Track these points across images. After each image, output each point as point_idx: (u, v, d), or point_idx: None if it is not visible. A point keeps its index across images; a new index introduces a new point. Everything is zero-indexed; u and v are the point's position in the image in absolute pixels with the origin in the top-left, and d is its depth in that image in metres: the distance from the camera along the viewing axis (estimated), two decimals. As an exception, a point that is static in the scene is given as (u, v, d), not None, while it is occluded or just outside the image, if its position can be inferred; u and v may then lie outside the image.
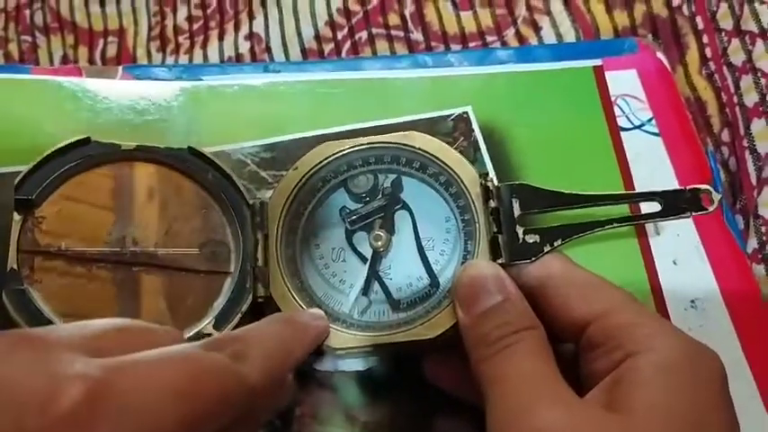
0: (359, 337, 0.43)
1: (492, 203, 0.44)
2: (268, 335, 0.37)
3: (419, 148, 0.47)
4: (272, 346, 0.36)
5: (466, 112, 0.54)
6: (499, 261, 0.43)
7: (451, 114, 0.54)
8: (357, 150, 0.48)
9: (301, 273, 0.47)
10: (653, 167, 0.52)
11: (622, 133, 0.54)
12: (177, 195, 0.46)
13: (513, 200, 0.45)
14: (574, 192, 0.45)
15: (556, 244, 0.43)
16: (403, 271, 0.47)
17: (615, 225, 0.44)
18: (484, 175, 0.45)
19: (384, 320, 0.45)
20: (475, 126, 0.54)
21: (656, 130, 0.54)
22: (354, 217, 0.48)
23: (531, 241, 0.43)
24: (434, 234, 0.47)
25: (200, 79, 0.55)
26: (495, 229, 0.44)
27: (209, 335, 0.43)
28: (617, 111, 0.54)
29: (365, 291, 0.46)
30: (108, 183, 0.45)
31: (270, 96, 0.54)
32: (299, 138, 0.53)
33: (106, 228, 0.44)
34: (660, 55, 0.58)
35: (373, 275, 0.47)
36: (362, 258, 0.48)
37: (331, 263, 0.48)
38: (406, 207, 0.48)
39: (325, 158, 0.48)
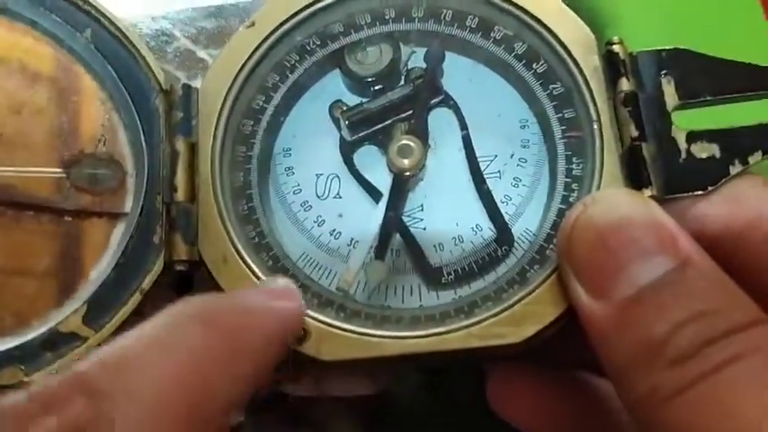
0: (367, 340, 0.30)
1: (625, 85, 0.32)
2: (173, 356, 0.25)
3: None
4: (179, 381, 0.24)
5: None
6: (646, 193, 0.31)
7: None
8: None
9: (260, 216, 0.34)
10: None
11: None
12: (21, 71, 0.35)
13: (664, 79, 0.32)
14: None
15: (752, 160, 0.30)
16: (446, 215, 0.35)
17: None
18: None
19: (412, 307, 0.33)
20: None
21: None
22: (358, 117, 0.36)
23: (703, 156, 0.31)
24: (502, 150, 0.35)
25: None
26: (634, 134, 0.31)
27: (75, 336, 0.31)
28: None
29: (379, 251, 0.33)
30: None
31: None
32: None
33: None
34: None
35: (393, 223, 0.34)
36: (373, 192, 0.35)
37: (315, 201, 0.36)
38: (449, 103, 0.36)
39: (306, 7, 0.35)
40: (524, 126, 0.35)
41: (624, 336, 0.26)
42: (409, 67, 0.36)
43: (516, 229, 0.33)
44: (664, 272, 0.26)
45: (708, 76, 0.31)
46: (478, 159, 0.35)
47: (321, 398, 0.35)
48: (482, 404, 0.34)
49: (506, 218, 0.34)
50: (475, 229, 0.34)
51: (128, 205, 0.33)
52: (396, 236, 0.34)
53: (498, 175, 0.34)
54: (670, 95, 0.31)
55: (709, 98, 0.31)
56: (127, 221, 0.32)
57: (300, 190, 0.35)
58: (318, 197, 0.35)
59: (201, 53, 0.40)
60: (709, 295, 0.26)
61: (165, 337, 0.25)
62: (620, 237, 0.27)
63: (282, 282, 0.31)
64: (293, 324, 0.30)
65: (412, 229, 0.34)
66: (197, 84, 0.36)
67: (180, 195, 0.32)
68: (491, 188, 0.34)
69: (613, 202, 0.28)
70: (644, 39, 0.43)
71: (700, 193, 0.30)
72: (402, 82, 0.36)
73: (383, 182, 0.35)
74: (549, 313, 0.29)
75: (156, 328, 0.25)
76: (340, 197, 0.35)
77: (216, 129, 0.33)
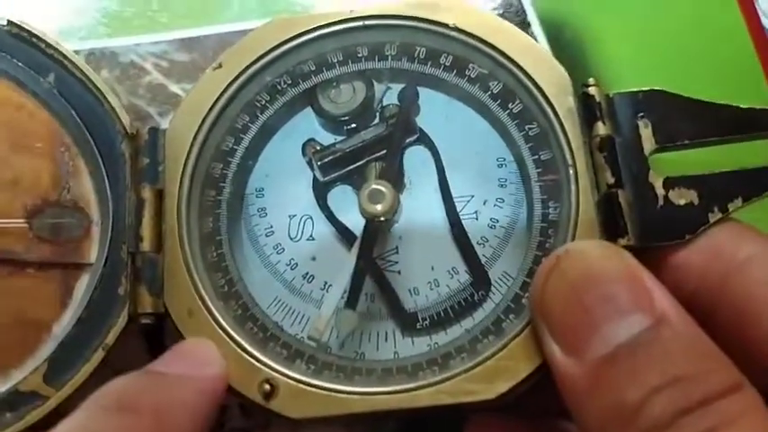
0: (336, 397, 0.29)
1: (601, 129, 0.31)
2: None
3: (454, 28, 0.34)
4: None
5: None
6: (622, 243, 0.30)
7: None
8: (336, 33, 0.35)
9: (230, 263, 0.33)
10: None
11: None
12: None
13: (641, 122, 0.31)
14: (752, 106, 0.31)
15: (731, 207, 0.29)
16: (422, 258, 0.34)
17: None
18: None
19: (385, 358, 0.32)
20: (532, 18, 0.44)
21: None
22: (330, 158, 0.35)
23: (681, 203, 0.30)
24: (479, 190, 0.35)
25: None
26: (610, 181, 0.30)
27: (36, 395, 0.29)
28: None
29: (350, 299, 0.32)
30: None
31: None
32: (237, 31, 0.41)
33: None
34: None
35: (366, 269, 0.33)
36: (347, 234, 0.34)
37: (288, 243, 0.35)
38: (425, 142, 0.35)
39: (276, 47, 0.35)
40: (502, 165, 0.34)
41: (597, 398, 0.25)
42: (384, 104, 0.35)
43: (493, 273, 0.32)
44: (639, 331, 0.25)
45: (686, 119, 0.31)
46: (455, 199, 0.34)
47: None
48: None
49: (483, 260, 0.33)
50: (451, 272, 0.33)
51: (92, 255, 0.32)
52: (369, 280, 0.33)
53: (475, 215, 0.33)
54: (647, 139, 0.30)
55: (687, 142, 0.30)
56: (91, 273, 0.31)
57: (273, 232, 0.34)
58: (291, 239, 0.34)
59: (174, 87, 0.39)
60: (685, 358, 0.24)
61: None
62: (595, 293, 0.26)
63: (203, 346, 0.30)
64: (218, 391, 0.29)
65: (386, 273, 0.33)
66: (169, 119, 0.35)
67: (146, 245, 0.31)
68: (468, 230, 0.33)
69: (587, 255, 0.27)
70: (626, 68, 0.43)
71: (678, 241, 0.29)
72: (376, 120, 0.35)
73: (358, 222, 0.33)
74: (523, 369, 0.28)
75: (73, 428, 0.24)
76: (313, 239, 0.34)
77: (183, 174, 0.32)
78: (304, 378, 0.29)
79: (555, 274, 0.27)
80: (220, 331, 0.30)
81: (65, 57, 0.32)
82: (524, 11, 0.43)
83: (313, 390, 0.28)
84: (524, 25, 0.43)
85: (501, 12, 0.43)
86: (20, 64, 0.32)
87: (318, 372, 0.30)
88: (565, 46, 0.43)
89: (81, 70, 0.32)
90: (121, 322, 0.30)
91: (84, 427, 0.25)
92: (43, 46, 0.32)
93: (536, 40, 0.43)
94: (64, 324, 0.30)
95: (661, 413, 0.23)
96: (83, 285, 0.31)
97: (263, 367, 0.29)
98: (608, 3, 0.44)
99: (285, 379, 0.28)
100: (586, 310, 0.26)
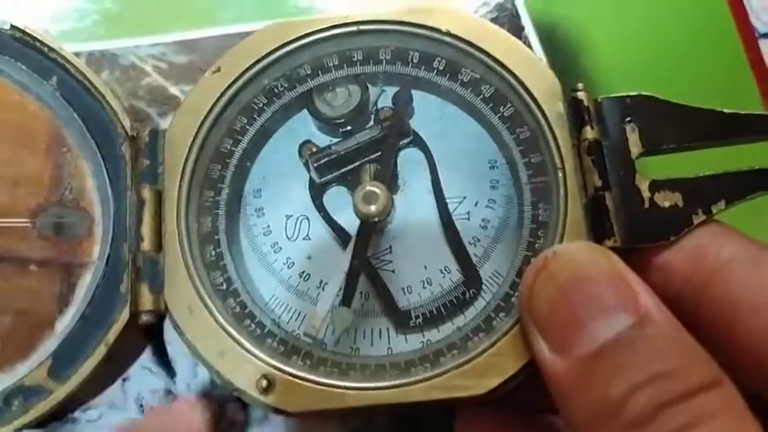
0: (331, 392, 0.29)
1: (589, 133, 0.31)
2: None
3: (447, 33, 0.34)
4: None
5: (511, 1, 0.44)
6: (608, 244, 0.30)
7: (488, 3, 0.44)
8: (332, 37, 0.35)
9: (228, 262, 0.33)
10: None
11: (761, 41, 0.44)
12: None
13: (628, 126, 0.31)
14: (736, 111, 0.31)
15: (715, 209, 0.29)
16: (415, 258, 0.34)
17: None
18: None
19: (379, 354, 0.32)
20: (525, 21, 0.44)
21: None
22: (326, 160, 0.35)
23: (666, 205, 0.30)
24: (471, 191, 0.35)
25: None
26: (598, 183, 0.30)
27: (40, 389, 0.29)
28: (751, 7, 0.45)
29: (345, 297, 0.32)
30: None
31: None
32: (234, 33, 0.41)
33: None
34: None
35: (360, 268, 0.33)
36: (342, 234, 0.34)
37: (285, 242, 0.35)
38: (419, 144, 0.35)
39: (273, 51, 0.34)
40: (493, 167, 0.34)
41: (583, 394, 0.25)
42: (379, 107, 0.35)
43: (484, 272, 0.33)
44: (623, 329, 0.25)
45: (672, 124, 0.31)
46: (447, 201, 0.34)
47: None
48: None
49: (474, 260, 0.33)
50: (443, 271, 0.33)
51: (95, 254, 0.32)
52: (364, 279, 0.33)
53: (467, 216, 0.34)
54: (634, 143, 0.30)
55: (672, 146, 0.30)
56: (93, 271, 0.32)
57: (270, 231, 0.34)
58: (288, 238, 0.34)
59: (173, 89, 0.39)
60: (667, 355, 0.25)
61: None
62: (581, 293, 0.26)
63: (186, 401, 0.32)
64: None
65: (380, 272, 0.33)
66: (168, 120, 0.35)
67: (146, 245, 0.31)
68: (459, 230, 0.33)
69: (574, 256, 0.27)
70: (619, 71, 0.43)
71: (663, 242, 0.29)
72: (371, 122, 0.35)
73: (353, 222, 0.33)
74: (512, 365, 0.28)
75: None
76: (309, 238, 0.34)
77: (182, 175, 0.32)
78: (300, 373, 0.29)
79: (543, 275, 0.27)
80: (219, 328, 0.30)
81: (67, 60, 0.32)
82: (518, 14, 0.43)
83: (309, 384, 0.29)
84: (518, 28, 0.42)
85: (495, 15, 0.42)
86: (23, 67, 0.32)
87: (314, 367, 0.30)
88: (557, 48, 0.43)
89: (83, 73, 0.32)
90: (123, 319, 0.30)
91: None
92: (46, 50, 0.32)
93: (529, 41, 0.42)
94: (67, 321, 0.31)
95: (644, 408, 0.23)
96: (85, 283, 0.31)
97: (260, 363, 0.29)
98: (601, 6, 0.43)
99: (282, 374, 0.29)
100: (573, 309, 0.26)
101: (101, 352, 0.29)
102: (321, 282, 0.33)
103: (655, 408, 0.23)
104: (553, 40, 0.43)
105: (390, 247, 0.34)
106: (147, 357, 0.35)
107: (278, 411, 0.29)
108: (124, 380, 0.34)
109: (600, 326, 0.25)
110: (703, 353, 0.25)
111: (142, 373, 0.35)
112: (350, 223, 0.34)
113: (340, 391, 0.29)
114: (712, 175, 0.30)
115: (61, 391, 0.29)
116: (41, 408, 0.28)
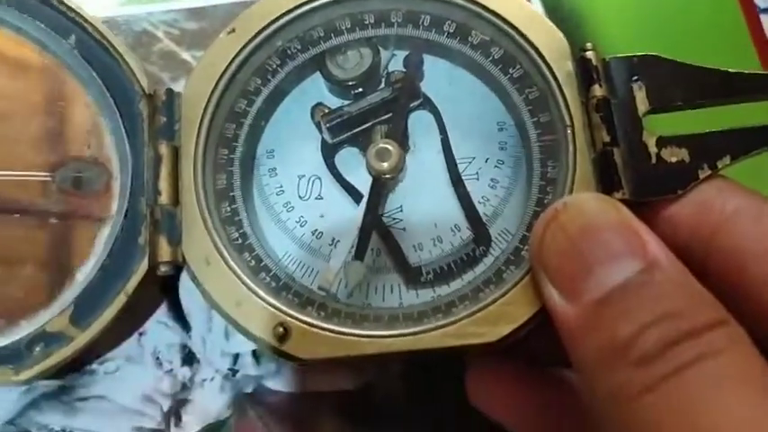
0: (346, 339, 0.30)
1: (597, 91, 0.31)
2: None
3: None
4: None
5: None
6: (617, 197, 0.30)
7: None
8: (344, 0, 0.35)
9: (243, 218, 0.34)
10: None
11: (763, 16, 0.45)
12: (7, 75, 0.34)
13: (635, 85, 0.31)
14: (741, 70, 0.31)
15: (720, 164, 0.30)
16: (425, 215, 0.34)
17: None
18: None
19: (391, 306, 0.33)
20: None
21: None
22: (338, 120, 0.35)
23: (673, 160, 0.30)
24: (480, 152, 0.35)
25: None
26: (606, 139, 0.31)
27: (62, 335, 0.30)
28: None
29: (358, 252, 0.33)
30: None
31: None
32: (245, 0, 0.39)
33: None
34: None
35: (373, 223, 0.33)
36: (353, 193, 0.35)
37: (298, 201, 0.35)
38: (429, 106, 0.36)
39: (285, 14, 0.34)
40: (502, 128, 0.35)
41: (592, 337, 0.26)
42: (389, 70, 0.35)
43: (494, 230, 0.33)
44: (631, 273, 0.25)
45: (678, 82, 0.31)
46: (457, 161, 0.34)
47: (303, 393, 0.36)
48: (461, 398, 0.33)
49: (484, 218, 0.33)
50: (453, 229, 0.33)
51: (113, 208, 0.32)
52: (375, 236, 0.33)
53: (476, 176, 0.34)
54: (641, 101, 0.31)
55: (679, 104, 0.31)
56: (112, 224, 0.32)
57: (283, 191, 0.35)
58: (300, 198, 0.35)
59: (185, 55, 0.39)
60: (674, 297, 0.25)
61: None
62: (590, 240, 0.26)
63: None
64: None
65: (392, 230, 0.34)
66: (181, 85, 0.35)
67: (164, 199, 0.31)
68: (469, 189, 0.34)
69: (584, 206, 0.28)
70: (623, 42, 0.43)
71: (671, 196, 0.29)
72: (382, 85, 0.35)
73: (364, 183, 0.34)
74: (524, 313, 0.29)
75: None
76: (321, 198, 0.35)
77: (198, 133, 0.33)
78: (315, 322, 0.30)
79: (553, 226, 0.27)
80: (236, 278, 0.30)
81: (85, 20, 0.33)
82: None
83: (324, 333, 0.29)
84: (523, 0, 0.43)
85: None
86: (42, 26, 0.33)
87: (329, 317, 0.30)
88: (563, 19, 0.43)
89: (101, 33, 0.33)
90: (141, 270, 0.30)
91: None
92: (65, 9, 0.33)
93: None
94: (87, 271, 0.31)
95: (652, 346, 0.24)
96: (104, 236, 0.32)
97: (277, 312, 0.29)
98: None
99: (297, 323, 0.29)
100: (582, 256, 0.26)
101: (120, 301, 0.30)
102: (333, 239, 0.34)
103: (662, 345, 0.24)
104: (558, 11, 0.43)
105: (401, 206, 0.34)
106: (162, 312, 0.35)
107: (293, 359, 0.29)
108: (141, 334, 0.35)
109: (609, 272, 0.26)
110: (710, 296, 0.26)
111: (158, 328, 0.35)
112: (361, 183, 0.34)
113: (356, 338, 0.29)
114: (718, 131, 0.30)
115: (81, 338, 0.29)
116: (62, 354, 0.29)
